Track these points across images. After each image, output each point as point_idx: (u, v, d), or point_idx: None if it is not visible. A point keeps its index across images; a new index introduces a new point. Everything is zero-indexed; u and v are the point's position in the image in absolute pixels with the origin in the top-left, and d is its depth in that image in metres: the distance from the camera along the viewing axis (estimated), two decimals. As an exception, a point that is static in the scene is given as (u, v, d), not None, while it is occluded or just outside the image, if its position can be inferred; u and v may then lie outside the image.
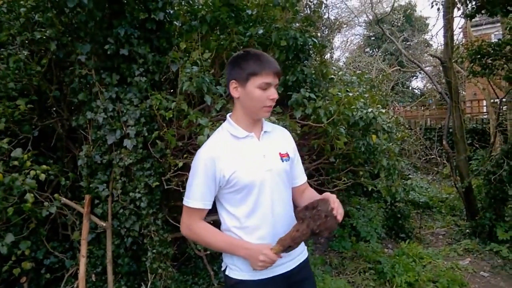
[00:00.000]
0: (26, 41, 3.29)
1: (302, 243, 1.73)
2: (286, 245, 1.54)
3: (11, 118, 3.14)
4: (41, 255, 3.21)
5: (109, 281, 3.00)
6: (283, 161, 1.71)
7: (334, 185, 4.03)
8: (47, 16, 3.27)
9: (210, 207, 1.67)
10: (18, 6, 3.27)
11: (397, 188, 4.01)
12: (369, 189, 4.29)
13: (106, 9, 3.12)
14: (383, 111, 3.83)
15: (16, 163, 2.90)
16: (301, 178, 1.87)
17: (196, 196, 1.62)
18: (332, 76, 3.99)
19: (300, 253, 1.79)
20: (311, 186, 4.12)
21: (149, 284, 3.14)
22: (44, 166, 2.95)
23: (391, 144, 4.04)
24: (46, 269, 3.25)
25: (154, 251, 3.09)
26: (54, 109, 3.62)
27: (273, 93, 1.60)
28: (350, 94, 3.42)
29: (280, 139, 1.79)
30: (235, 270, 1.70)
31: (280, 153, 1.72)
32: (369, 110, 3.55)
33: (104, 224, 3.04)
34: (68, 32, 3.33)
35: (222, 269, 1.78)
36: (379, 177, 4.29)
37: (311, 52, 3.80)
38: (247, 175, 1.61)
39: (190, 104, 3.24)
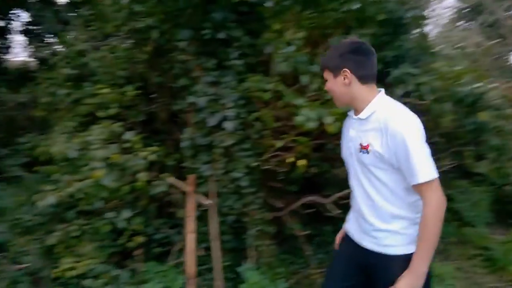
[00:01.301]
0: (130, 31, 3.51)
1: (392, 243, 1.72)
2: None
3: (121, 104, 3.39)
4: (151, 231, 3.46)
5: (216, 257, 3.14)
6: (360, 152, 1.72)
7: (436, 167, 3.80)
8: (147, 6, 3.44)
9: None
10: (120, -1, 3.49)
11: (508, 170, 3.67)
12: (472, 172, 3.99)
13: (202, -6, 3.19)
14: (493, 86, 3.51)
15: (128, 145, 3.14)
16: (409, 180, 1.61)
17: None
18: (434, 50, 3.73)
19: (371, 241, 1.78)
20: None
21: (251, 260, 3.24)
22: (153, 148, 3.16)
23: (501, 122, 3.69)
24: (156, 243, 3.50)
25: (256, 229, 3.17)
26: (156, 94, 3.84)
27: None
28: (456, 68, 3.17)
29: (370, 130, 1.68)
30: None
31: (360, 144, 1.71)
32: (477, 85, 3.27)
33: (209, 202, 3.17)
34: (168, 20, 3.48)
35: None
36: (483, 158, 3.97)
37: (410, 25, 3.57)
38: (341, 152, 1.93)
39: (285, 84, 3.24)
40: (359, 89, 1.72)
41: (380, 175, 1.67)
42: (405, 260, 1.62)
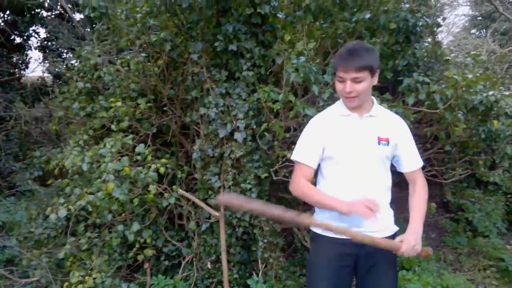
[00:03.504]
0: (144, 44, 3.56)
1: (388, 227, 1.91)
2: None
3: (133, 117, 3.43)
4: (161, 243, 3.45)
5: (224, 268, 3.12)
6: (379, 144, 1.81)
7: (448, 176, 3.74)
8: (161, 19, 3.50)
9: (314, 167, 1.87)
10: (134, 13, 3.54)
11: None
12: (486, 181, 3.91)
13: (215, 7, 3.23)
14: (506, 93, 3.45)
15: (139, 157, 3.16)
16: (407, 166, 1.92)
17: (303, 152, 1.88)
18: (448, 58, 3.69)
19: (377, 232, 1.82)
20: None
21: (260, 273, 3.21)
22: (164, 160, 3.18)
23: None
24: (165, 256, 3.49)
25: (265, 240, 3.14)
26: (168, 107, 3.87)
27: (346, 87, 1.73)
28: (469, 76, 3.12)
29: (386, 125, 1.86)
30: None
31: (379, 137, 1.81)
32: (490, 93, 3.21)
33: (217, 214, 3.16)
34: (180, 33, 3.53)
35: None
36: (497, 167, 3.90)
37: (422, 33, 3.55)
38: (336, 148, 1.81)
39: (296, 95, 3.24)
40: None
41: (388, 165, 1.88)
42: (393, 237, 1.84)
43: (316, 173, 1.96)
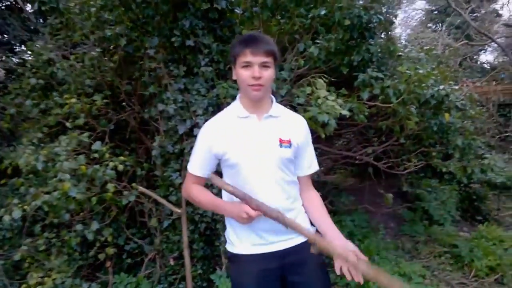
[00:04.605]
0: (98, 39, 3.47)
1: (307, 224, 1.77)
2: (270, 217, 1.57)
3: (89, 113, 3.35)
4: (122, 241, 3.42)
5: (186, 265, 3.12)
6: (281, 147, 1.68)
7: (404, 168, 3.89)
8: (115, 14, 3.42)
9: (206, 176, 1.73)
10: (88, 6, 3.45)
11: (473, 169, 3.78)
12: (442, 171, 4.10)
13: (171, 2, 3.19)
14: (456, 87, 3.62)
15: (96, 155, 3.10)
16: (303, 170, 1.80)
17: (195, 164, 1.76)
18: (400, 54, 3.82)
19: (299, 235, 1.69)
20: (379, 169, 4.05)
21: (223, 267, 3.24)
22: (122, 157, 3.13)
23: (465, 122, 3.81)
24: (127, 254, 3.47)
25: (228, 235, 3.17)
26: (126, 103, 3.80)
27: (254, 71, 1.58)
28: (421, 71, 3.25)
29: (286, 125, 1.73)
30: (229, 243, 1.79)
31: (280, 139, 1.68)
32: (441, 87, 3.36)
33: (179, 211, 3.16)
34: (136, 28, 3.46)
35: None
36: (451, 158, 4.08)
37: (376, 30, 3.65)
38: (237, 154, 1.65)
39: (255, 91, 3.26)
40: None
41: (290, 167, 1.75)
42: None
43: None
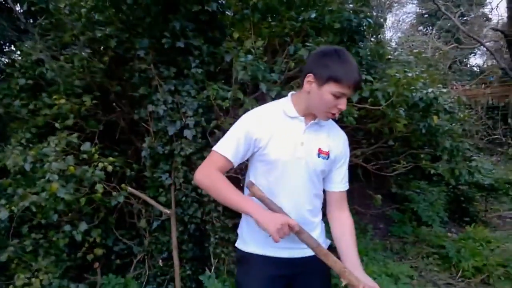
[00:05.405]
0: (88, 40, 3.46)
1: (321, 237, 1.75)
2: (305, 243, 1.49)
3: (78, 114, 3.34)
4: (111, 242, 3.41)
5: (175, 266, 3.13)
6: (319, 157, 1.64)
7: (393, 169, 3.93)
8: (106, 15, 3.41)
9: (235, 165, 1.65)
10: (78, 7, 3.43)
11: (461, 171, 3.83)
12: (430, 172, 4.15)
13: (161, 3, 3.19)
14: (444, 90, 3.66)
15: (85, 156, 3.09)
16: (335, 184, 1.75)
17: (229, 146, 1.61)
18: (389, 57, 3.86)
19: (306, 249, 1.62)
20: (369, 171, 4.08)
21: (212, 268, 3.24)
22: (111, 158, 3.12)
23: (453, 124, 3.86)
24: (115, 255, 3.45)
25: (217, 236, 3.18)
26: (116, 104, 3.79)
27: (342, 104, 1.54)
28: (409, 75, 3.28)
29: (329, 137, 1.70)
30: (242, 241, 1.76)
31: (319, 149, 1.65)
32: (430, 90, 3.40)
33: (168, 212, 3.16)
34: (127, 29, 3.46)
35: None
36: (440, 160, 4.12)
37: (366, 33, 3.69)
38: (276, 153, 1.60)
39: (245, 92, 3.28)
40: None
41: (321, 178, 1.71)
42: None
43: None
